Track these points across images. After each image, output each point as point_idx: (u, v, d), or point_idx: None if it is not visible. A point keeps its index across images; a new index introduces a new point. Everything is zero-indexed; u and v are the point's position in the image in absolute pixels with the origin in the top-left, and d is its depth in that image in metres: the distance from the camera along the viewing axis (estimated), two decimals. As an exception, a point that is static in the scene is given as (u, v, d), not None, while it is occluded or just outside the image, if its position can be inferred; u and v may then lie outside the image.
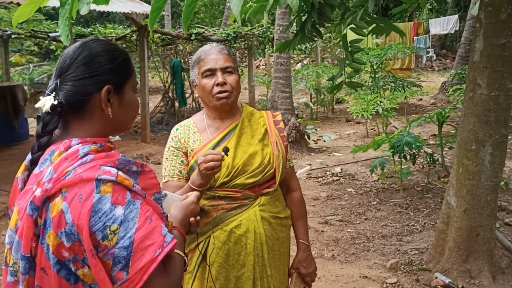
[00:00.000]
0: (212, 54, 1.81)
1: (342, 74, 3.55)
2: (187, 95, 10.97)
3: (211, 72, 1.80)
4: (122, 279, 1.02)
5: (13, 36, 8.53)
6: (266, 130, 1.91)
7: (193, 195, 1.42)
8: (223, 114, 1.87)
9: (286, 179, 1.97)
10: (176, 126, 1.93)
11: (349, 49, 3.43)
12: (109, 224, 1.01)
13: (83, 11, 1.64)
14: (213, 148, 1.81)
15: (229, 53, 1.85)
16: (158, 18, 1.82)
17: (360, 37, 3.52)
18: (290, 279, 2.01)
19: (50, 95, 1.13)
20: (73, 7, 1.66)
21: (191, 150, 1.83)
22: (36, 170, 1.12)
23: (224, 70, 1.80)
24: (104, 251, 1.02)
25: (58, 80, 1.15)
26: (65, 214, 1.02)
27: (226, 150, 1.68)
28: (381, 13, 20.80)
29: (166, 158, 1.86)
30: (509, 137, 3.70)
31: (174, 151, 1.85)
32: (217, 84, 1.78)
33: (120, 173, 1.07)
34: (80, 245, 1.02)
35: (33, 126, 9.36)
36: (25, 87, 9.89)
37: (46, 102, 1.12)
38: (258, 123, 1.93)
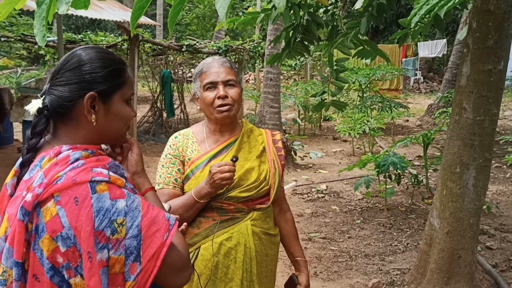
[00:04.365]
0: (214, 67, 1.81)
1: (325, 92, 3.59)
2: (175, 106, 10.96)
3: (213, 85, 1.80)
4: (136, 270, 1.04)
5: (2, 39, 8.45)
6: (264, 148, 1.92)
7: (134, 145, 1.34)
8: (223, 127, 1.87)
9: (279, 199, 1.98)
10: (175, 134, 1.93)
11: (334, 67, 3.47)
12: (114, 218, 1.03)
13: (62, 10, 1.59)
14: (210, 160, 1.82)
15: (231, 66, 1.85)
16: (140, 17, 1.80)
17: (346, 56, 3.57)
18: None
19: (40, 98, 1.16)
20: (51, 7, 1.61)
21: (188, 159, 1.83)
22: (26, 176, 1.12)
23: (225, 83, 1.80)
24: (116, 246, 1.03)
25: (49, 84, 1.17)
26: (61, 218, 1.01)
27: (235, 159, 1.71)
28: (371, 33, 21.13)
29: (163, 165, 1.85)
30: (492, 161, 3.74)
31: (172, 159, 1.84)
32: (218, 97, 1.79)
33: (111, 173, 1.09)
34: (75, 251, 1.01)
35: (18, 131, 9.23)
36: (12, 91, 9.77)
37: (34, 105, 1.14)
38: (257, 140, 1.93)
